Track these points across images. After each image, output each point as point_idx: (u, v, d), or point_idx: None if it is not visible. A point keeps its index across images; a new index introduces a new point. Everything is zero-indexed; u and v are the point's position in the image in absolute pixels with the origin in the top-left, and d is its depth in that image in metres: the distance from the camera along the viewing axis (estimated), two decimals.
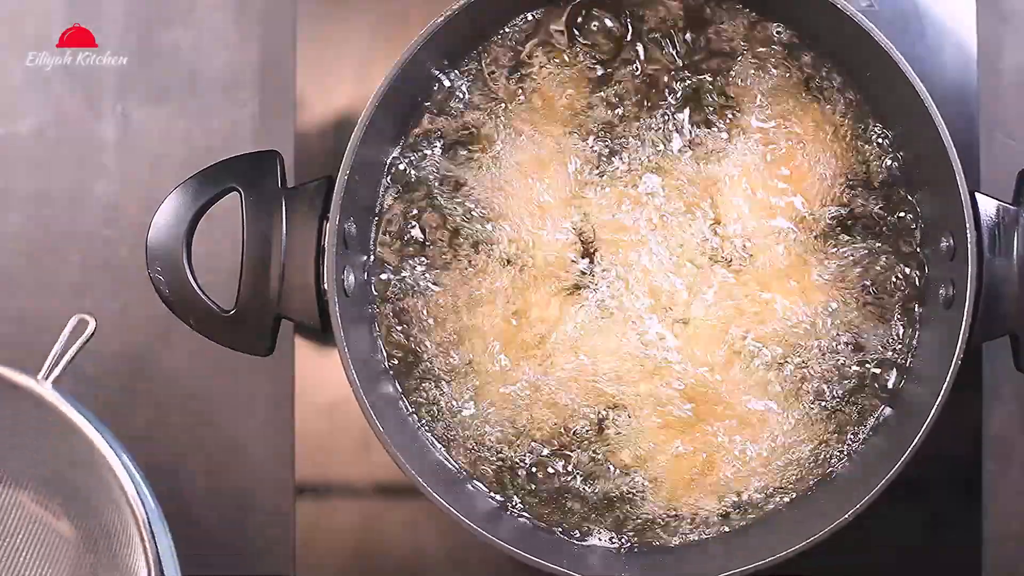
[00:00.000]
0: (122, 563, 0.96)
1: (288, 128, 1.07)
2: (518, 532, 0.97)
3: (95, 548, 0.98)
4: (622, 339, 0.99)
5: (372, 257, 1.00)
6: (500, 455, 0.99)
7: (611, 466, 0.99)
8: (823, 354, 0.99)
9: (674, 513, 0.99)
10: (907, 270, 0.99)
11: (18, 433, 0.99)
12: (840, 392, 0.99)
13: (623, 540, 0.98)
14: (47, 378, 0.96)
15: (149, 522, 0.94)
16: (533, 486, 0.99)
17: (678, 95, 1.00)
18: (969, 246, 0.92)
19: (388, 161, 1.00)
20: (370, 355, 0.99)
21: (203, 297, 0.95)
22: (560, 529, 0.99)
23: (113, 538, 0.97)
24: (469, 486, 0.99)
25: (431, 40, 0.94)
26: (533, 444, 0.99)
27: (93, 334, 0.96)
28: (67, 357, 0.96)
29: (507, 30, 1.00)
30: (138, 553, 0.94)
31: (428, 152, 1.00)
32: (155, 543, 0.94)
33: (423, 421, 1.00)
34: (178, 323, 0.96)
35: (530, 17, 1.00)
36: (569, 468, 0.99)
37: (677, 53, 1.00)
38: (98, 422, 0.96)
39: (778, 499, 0.99)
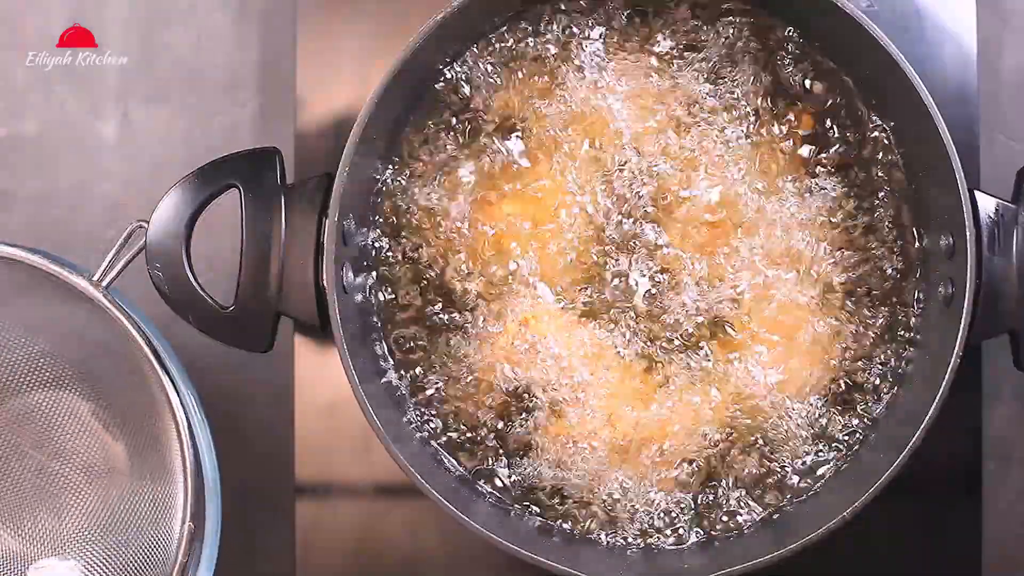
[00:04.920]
0: (162, 459, 0.97)
1: (288, 128, 1.07)
2: (518, 531, 0.97)
3: (141, 453, 1.00)
4: (625, 341, 0.99)
5: (372, 255, 1.00)
6: (500, 454, 0.99)
7: (610, 467, 0.99)
8: (821, 354, 0.99)
9: (673, 514, 0.99)
10: (906, 268, 0.99)
11: (69, 336, 0.99)
12: (838, 392, 0.99)
13: (623, 539, 0.98)
14: (102, 281, 0.96)
15: (189, 425, 0.94)
16: (533, 485, 0.99)
17: (676, 96, 1.00)
18: (968, 244, 0.92)
19: (387, 158, 1.00)
20: (370, 353, 0.99)
21: (203, 294, 0.95)
22: (560, 528, 0.99)
23: (156, 440, 0.98)
24: (469, 485, 0.99)
25: (430, 38, 0.94)
26: (534, 444, 0.99)
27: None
28: (123, 262, 0.96)
29: (505, 29, 1.01)
30: (176, 456, 0.95)
31: (427, 149, 1.01)
32: (194, 446, 0.95)
33: (423, 420, 1.00)
34: (178, 320, 0.96)
35: (528, 19, 1.01)
36: (569, 469, 0.99)
37: (676, 55, 1.00)
38: (151, 325, 0.98)
39: (777, 499, 0.98)
